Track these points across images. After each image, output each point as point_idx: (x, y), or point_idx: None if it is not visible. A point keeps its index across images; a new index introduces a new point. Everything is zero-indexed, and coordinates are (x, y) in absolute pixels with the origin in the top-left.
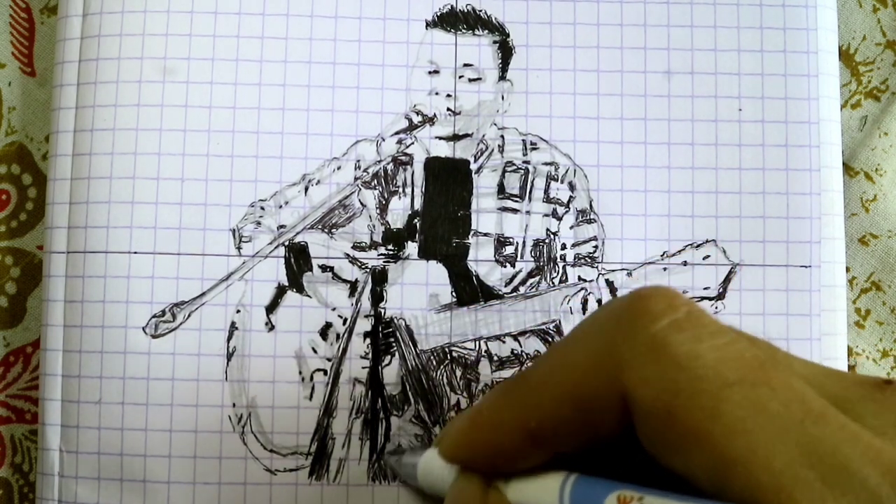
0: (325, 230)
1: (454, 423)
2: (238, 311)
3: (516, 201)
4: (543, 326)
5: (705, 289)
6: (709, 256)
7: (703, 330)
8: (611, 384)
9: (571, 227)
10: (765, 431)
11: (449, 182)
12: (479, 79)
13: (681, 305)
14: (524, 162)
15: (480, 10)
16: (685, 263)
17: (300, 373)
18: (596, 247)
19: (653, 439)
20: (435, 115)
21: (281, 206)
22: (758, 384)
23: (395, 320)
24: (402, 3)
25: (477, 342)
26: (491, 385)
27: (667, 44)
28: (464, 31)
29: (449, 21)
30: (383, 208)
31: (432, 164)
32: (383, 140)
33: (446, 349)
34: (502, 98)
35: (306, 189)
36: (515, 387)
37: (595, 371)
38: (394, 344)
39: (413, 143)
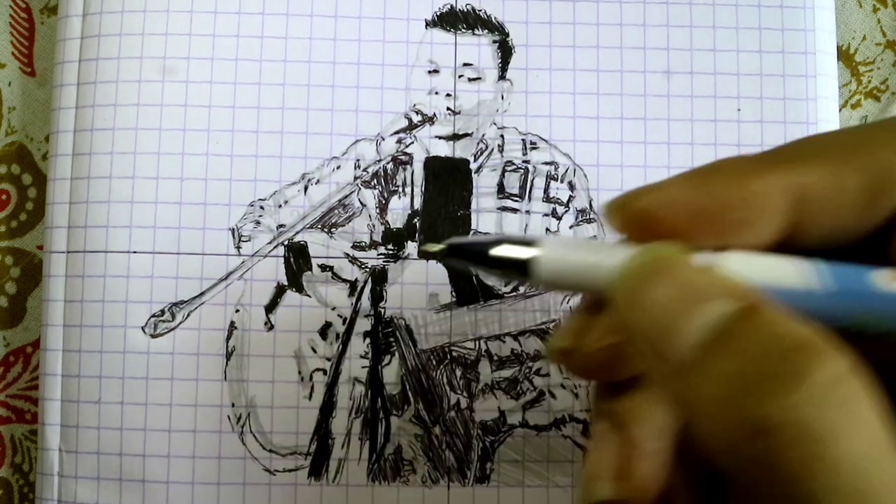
0: (325, 230)
1: (649, 188)
2: (237, 311)
3: (516, 201)
4: (543, 326)
5: None
6: None
7: None
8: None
9: (571, 227)
10: None
11: (449, 181)
12: (478, 78)
13: None
14: (524, 161)
15: (480, 10)
16: None
17: (299, 372)
18: None
19: None
20: (435, 114)
21: (280, 206)
22: None
23: (395, 320)
24: (402, 2)
25: (477, 342)
26: (491, 385)
27: (666, 44)
28: (463, 30)
29: (449, 20)
30: (383, 208)
31: (432, 164)
32: (383, 139)
33: (446, 349)
34: (502, 97)
35: (306, 188)
36: (776, 154)
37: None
38: (393, 343)
39: (413, 143)
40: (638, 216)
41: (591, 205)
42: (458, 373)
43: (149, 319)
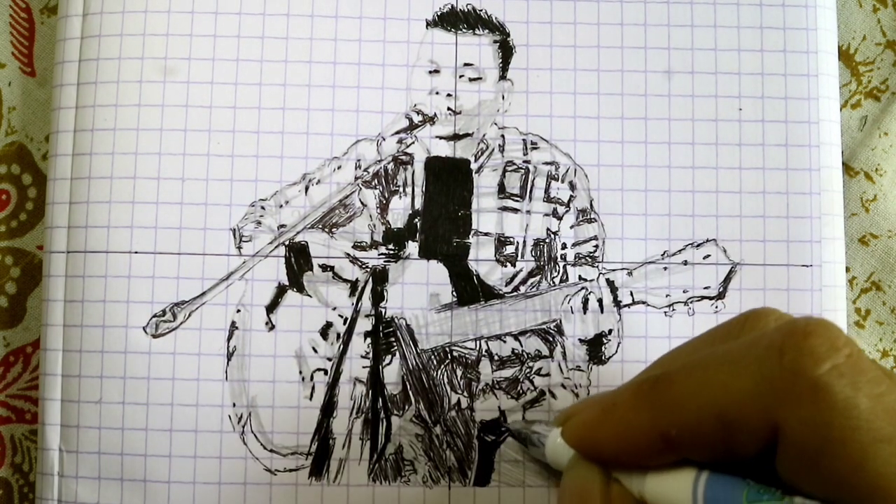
0: (326, 230)
1: (582, 410)
2: (238, 311)
3: (517, 201)
4: (544, 326)
5: (706, 288)
6: (709, 256)
7: (861, 377)
8: (764, 414)
9: (572, 227)
10: None
11: (449, 181)
12: (479, 78)
13: (842, 347)
14: (524, 161)
15: (481, 10)
16: (686, 263)
17: (300, 372)
18: (596, 246)
19: (794, 471)
20: (435, 114)
21: (281, 206)
22: None
23: (396, 320)
24: (403, 2)
25: (477, 342)
26: (492, 385)
27: (667, 43)
28: (464, 30)
29: (449, 20)
30: (384, 208)
31: (433, 164)
32: (384, 139)
33: (447, 349)
34: (503, 97)
35: (307, 188)
36: (656, 391)
37: (750, 398)
38: (394, 343)
39: (413, 143)
40: (572, 440)
41: (591, 205)
42: (459, 373)
43: (150, 319)
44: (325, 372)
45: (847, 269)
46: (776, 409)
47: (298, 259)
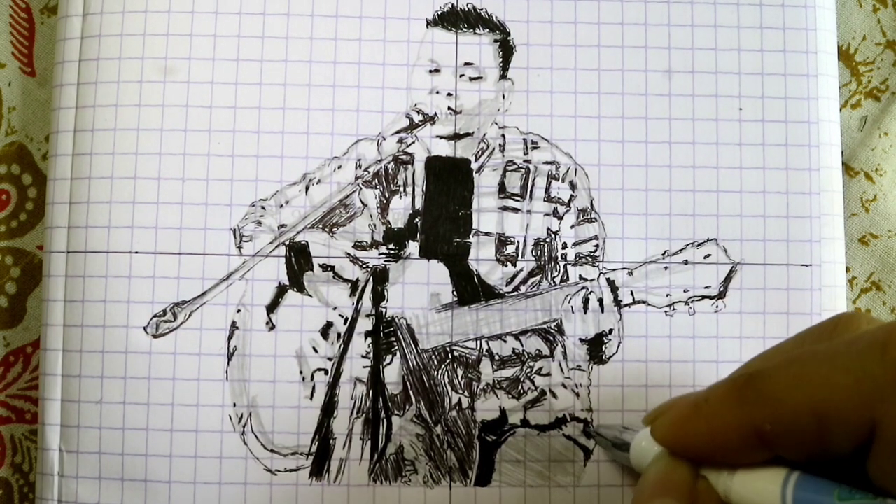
0: (326, 229)
1: (673, 406)
2: (239, 311)
3: (517, 200)
4: (545, 325)
5: (706, 287)
6: (710, 255)
7: None
8: (862, 410)
9: (572, 226)
10: None
11: (450, 181)
12: (479, 78)
13: None
14: (525, 161)
15: (481, 9)
16: (686, 262)
17: (301, 372)
18: (597, 246)
19: (888, 472)
20: (436, 114)
21: (282, 206)
22: None
23: (397, 319)
24: (403, 2)
25: (478, 341)
26: (493, 384)
27: (667, 43)
28: (464, 29)
29: (450, 20)
30: (384, 207)
31: (433, 164)
32: (384, 139)
33: (447, 348)
34: (503, 97)
35: (307, 188)
36: (750, 387)
37: (848, 394)
38: (395, 343)
39: (414, 142)
40: (663, 437)
41: (592, 204)
42: (460, 372)
43: (150, 319)
44: (326, 372)
45: (847, 269)
46: (875, 405)
47: (299, 259)
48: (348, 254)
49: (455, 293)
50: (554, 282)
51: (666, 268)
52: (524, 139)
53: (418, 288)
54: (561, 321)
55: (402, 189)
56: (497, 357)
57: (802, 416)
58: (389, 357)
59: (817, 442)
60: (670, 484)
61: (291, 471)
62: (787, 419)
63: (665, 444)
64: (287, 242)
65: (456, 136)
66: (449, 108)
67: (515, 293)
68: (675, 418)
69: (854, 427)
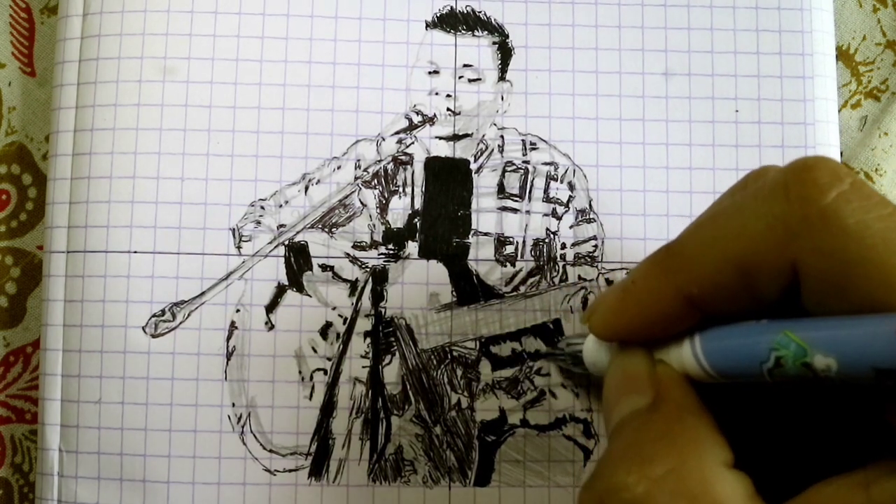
0: (326, 229)
1: (602, 299)
2: (238, 311)
3: (516, 201)
4: (544, 325)
5: None
6: None
7: (868, 201)
8: (781, 253)
9: (571, 227)
10: None
11: (449, 182)
12: (478, 79)
13: (845, 176)
14: (524, 162)
15: (480, 12)
16: None
17: (300, 372)
18: (596, 246)
19: (823, 303)
20: (435, 115)
21: (281, 206)
22: None
23: (396, 319)
24: (402, 3)
25: (477, 341)
26: (492, 385)
27: (664, 46)
28: (463, 31)
29: (449, 22)
30: (383, 208)
31: (432, 164)
32: (383, 140)
33: (447, 348)
34: (502, 98)
35: (306, 188)
36: (670, 255)
37: (763, 239)
38: (394, 343)
39: (413, 143)
40: (600, 329)
41: (590, 205)
42: (459, 372)
43: (149, 319)
44: (325, 372)
45: None
46: (791, 244)
47: (298, 259)
48: (347, 254)
49: (454, 293)
50: (553, 282)
51: None
52: (523, 140)
53: (417, 288)
54: (560, 321)
55: (401, 189)
56: (496, 357)
57: (724, 271)
58: (389, 357)
59: (745, 293)
60: (630, 380)
61: (290, 471)
62: (710, 278)
63: (605, 336)
64: (286, 242)
65: (455, 137)
66: (448, 109)
67: (514, 293)
68: (608, 307)
69: (776, 270)
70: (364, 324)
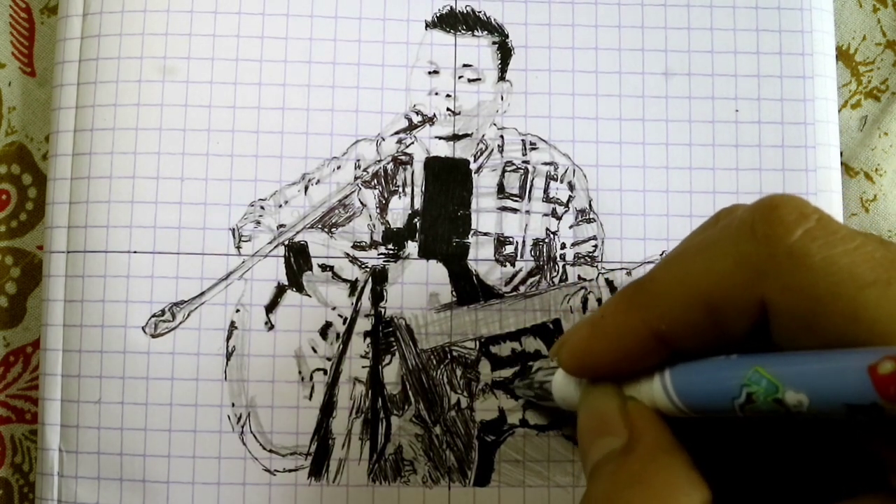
0: (325, 229)
1: (571, 333)
2: (237, 311)
3: (516, 201)
4: (544, 325)
5: None
6: None
7: (834, 236)
8: (749, 290)
9: (571, 227)
10: None
11: (449, 182)
12: (478, 79)
13: (811, 213)
14: (524, 162)
15: (480, 12)
16: None
17: (300, 372)
18: (595, 246)
19: (793, 340)
20: (435, 114)
21: (281, 206)
22: (892, 282)
23: (396, 319)
24: (402, 3)
25: (477, 341)
26: (492, 384)
27: (664, 45)
28: (463, 31)
29: (448, 22)
30: (383, 208)
31: (432, 164)
32: (383, 140)
33: (446, 348)
34: (502, 98)
35: (306, 188)
36: (639, 292)
37: (731, 278)
38: (394, 343)
39: (413, 143)
40: (569, 364)
41: (590, 205)
42: (459, 372)
43: (149, 319)
44: (325, 372)
45: None
46: (759, 282)
47: (298, 259)
48: (347, 254)
49: (454, 293)
50: (553, 282)
51: None
52: (522, 140)
53: (417, 288)
54: (560, 321)
55: (401, 189)
56: (496, 357)
57: (693, 308)
58: (388, 357)
59: (714, 330)
60: (602, 421)
61: (290, 471)
62: (678, 315)
63: (574, 372)
64: (286, 242)
65: (455, 137)
66: (448, 109)
67: (514, 293)
68: (577, 342)
69: (745, 308)
70: (364, 324)
